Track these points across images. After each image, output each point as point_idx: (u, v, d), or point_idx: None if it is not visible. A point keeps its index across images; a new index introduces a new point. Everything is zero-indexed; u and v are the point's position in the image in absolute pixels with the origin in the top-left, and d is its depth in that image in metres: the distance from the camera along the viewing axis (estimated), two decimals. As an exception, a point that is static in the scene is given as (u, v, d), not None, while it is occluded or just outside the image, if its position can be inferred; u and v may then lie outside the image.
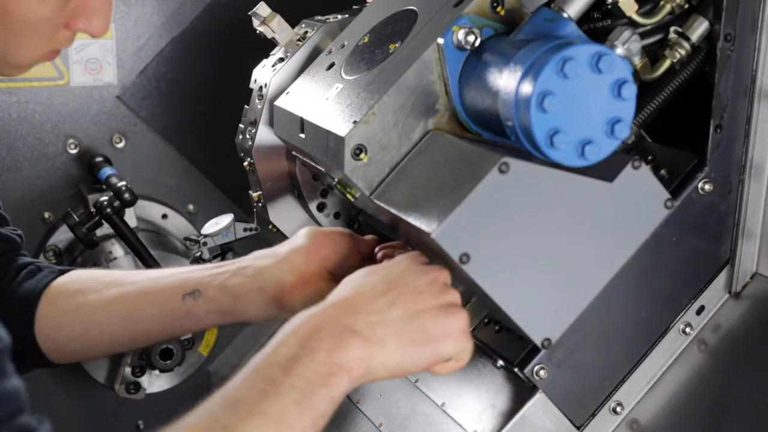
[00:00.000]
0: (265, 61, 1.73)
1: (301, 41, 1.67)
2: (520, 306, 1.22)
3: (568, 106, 1.12)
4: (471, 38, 1.27)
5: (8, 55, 1.23)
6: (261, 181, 1.67)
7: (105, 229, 2.18)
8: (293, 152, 1.59)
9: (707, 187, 1.39)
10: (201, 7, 2.45)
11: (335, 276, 1.36)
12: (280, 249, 1.41)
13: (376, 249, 1.42)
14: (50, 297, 1.47)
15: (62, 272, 1.51)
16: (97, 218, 2.12)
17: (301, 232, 1.43)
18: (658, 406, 1.40)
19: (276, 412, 1.06)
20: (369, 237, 1.47)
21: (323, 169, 1.46)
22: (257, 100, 1.66)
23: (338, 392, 1.10)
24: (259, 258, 1.41)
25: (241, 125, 1.71)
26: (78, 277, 1.50)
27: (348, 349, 1.11)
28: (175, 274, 1.43)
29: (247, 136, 1.66)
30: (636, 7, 1.32)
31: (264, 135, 1.63)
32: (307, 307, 1.18)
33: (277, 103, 1.57)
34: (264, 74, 1.68)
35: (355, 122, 1.30)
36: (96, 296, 1.45)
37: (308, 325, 1.13)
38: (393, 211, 1.26)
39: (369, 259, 1.41)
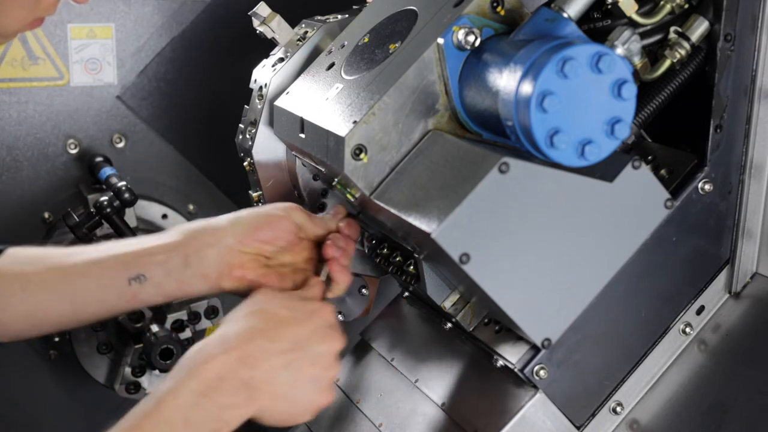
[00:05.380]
0: (265, 61, 1.73)
1: (301, 41, 1.67)
2: (520, 306, 1.22)
3: (568, 106, 1.12)
4: (471, 38, 1.27)
5: None
6: (261, 181, 1.66)
7: (105, 229, 2.18)
8: (293, 152, 1.59)
9: (707, 187, 1.38)
10: (201, 7, 2.46)
11: (271, 264, 1.41)
12: (220, 225, 1.41)
13: (328, 239, 1.42)
14: None
15: None
16: (97, 218, 2.13)
17: (244, 213, 1.43)
18: (658, 406, 1.40)
19: None
20: (328, 217, 1.46)
21: (323, 169, 1.46)
22: (257, 100, 1.66)
23: None
24: (198, 236, 1.40)
25: (241, 125, 1.71)
26: (15, 257, 1.47)
27: (240, 408, 1.21)
28: (116, 255, 1.41)
29: (247, 136, 1.66)
30: (636, 7, 1.32)
31: (264, 135, 1.63)
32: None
33: (277, 103, 1.57)
34: (264, 74, 1.67)
35: (355, 122, 1.30)
36: (39, 280, 1.43)
37: (209, 373, 1.20)
38: (393, 211, 1.26)
39: (319, 245, 1.43)
